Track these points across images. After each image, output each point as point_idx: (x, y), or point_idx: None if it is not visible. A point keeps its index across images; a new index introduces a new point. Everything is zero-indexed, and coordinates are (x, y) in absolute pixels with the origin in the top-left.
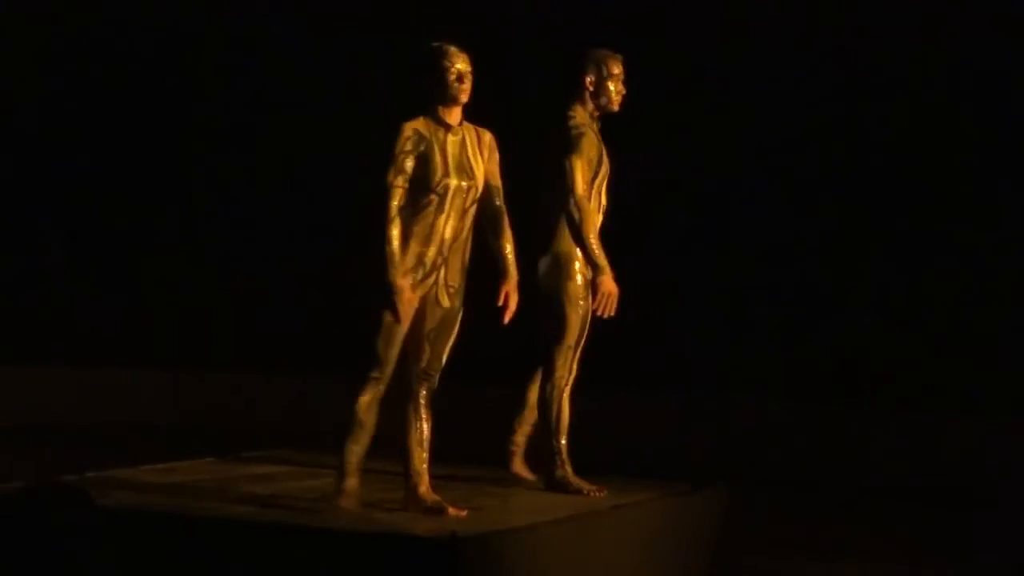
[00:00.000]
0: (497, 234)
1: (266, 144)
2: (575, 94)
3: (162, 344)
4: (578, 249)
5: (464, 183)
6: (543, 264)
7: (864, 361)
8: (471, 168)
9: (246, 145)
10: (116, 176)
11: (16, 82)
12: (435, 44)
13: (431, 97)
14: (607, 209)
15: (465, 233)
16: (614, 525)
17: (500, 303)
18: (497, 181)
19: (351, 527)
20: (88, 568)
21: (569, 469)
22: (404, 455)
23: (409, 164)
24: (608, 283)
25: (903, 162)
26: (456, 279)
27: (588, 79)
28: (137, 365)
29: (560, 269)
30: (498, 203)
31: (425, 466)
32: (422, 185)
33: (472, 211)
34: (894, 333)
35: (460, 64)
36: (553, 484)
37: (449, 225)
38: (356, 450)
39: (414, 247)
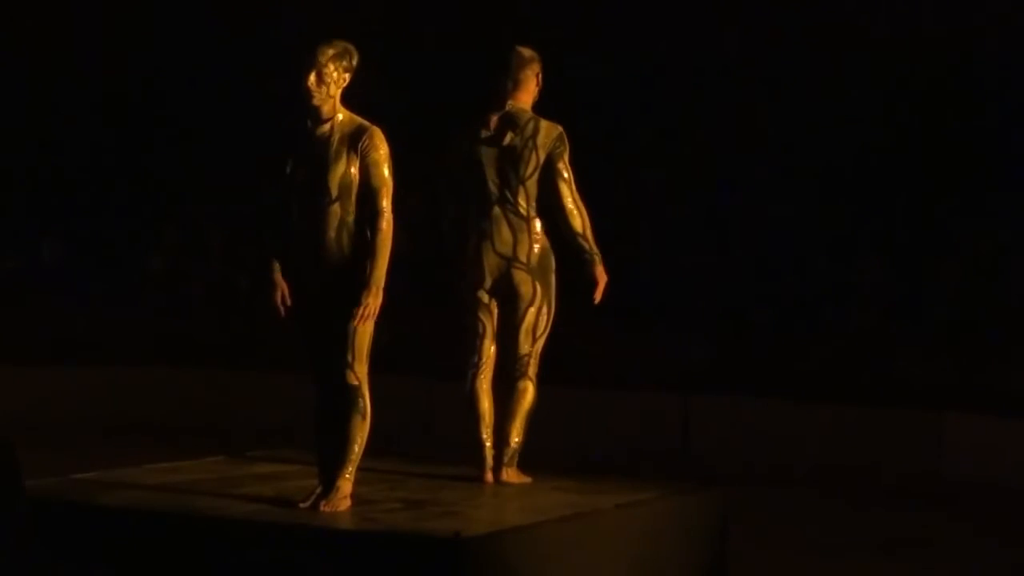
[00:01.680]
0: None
1: (266, 143)
2: (520, 88)
3: (164, 341)
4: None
5: (315, 180)
6: (530, 258)
7: (868, 360)
8: (326, 165)
9: (257, 140)
10: (116, 169)
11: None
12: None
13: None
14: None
15: (324, 229)
16: (617, 524)
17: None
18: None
19: (355, 527)
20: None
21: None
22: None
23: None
24: (603, 272)
25: (906, 160)
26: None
27: (539, 75)
28: (141, 364)
29: (547, 264)
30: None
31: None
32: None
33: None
34: (897, 333)
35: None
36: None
37: (307, 223)
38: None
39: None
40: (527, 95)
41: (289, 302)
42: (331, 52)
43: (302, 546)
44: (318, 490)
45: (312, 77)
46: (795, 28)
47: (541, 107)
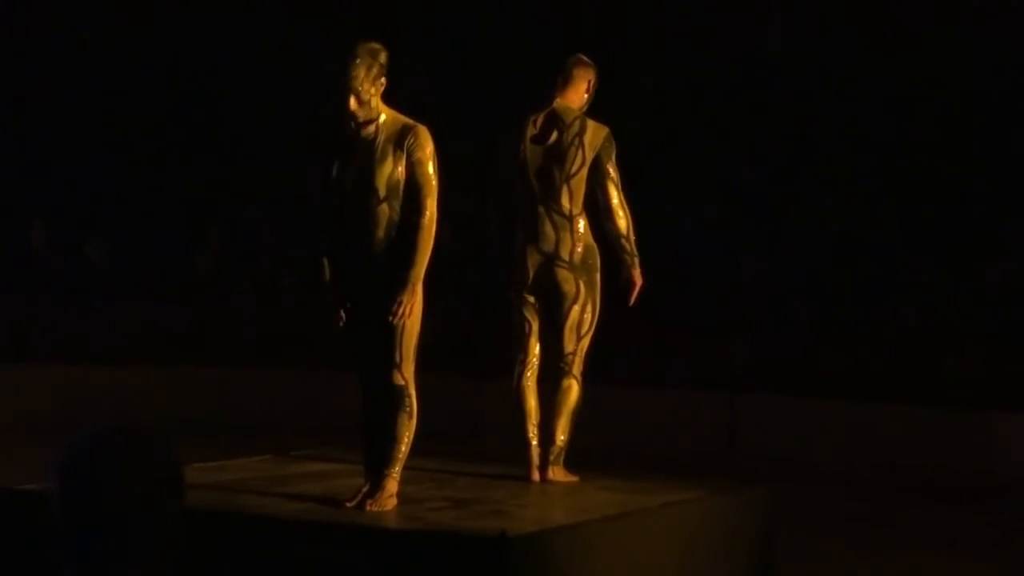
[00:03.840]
0: None
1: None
2: (572, 89)
3: (211, 342)
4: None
5: (358, 188)
6: (573, 256)
7: (916, 359)
8: (368, 170)
9: (292, 143)
10: (157, 176)
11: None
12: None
13: None
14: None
15: (376, 235)
16: (662, 523)
17: None
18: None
19: (401, 526)
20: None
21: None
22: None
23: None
24: (639, 273)
25: (950, 166)
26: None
27: (592, 81)
28: (184, 362)
29: (591, 262)
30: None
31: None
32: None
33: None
34: (945, 331)
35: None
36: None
37: (357, 229)
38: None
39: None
40: (576, 97)
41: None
42: (363, 71)
43: (348, 545)
44: (364, 489)
45: (353, 102)
46: (839, 22)
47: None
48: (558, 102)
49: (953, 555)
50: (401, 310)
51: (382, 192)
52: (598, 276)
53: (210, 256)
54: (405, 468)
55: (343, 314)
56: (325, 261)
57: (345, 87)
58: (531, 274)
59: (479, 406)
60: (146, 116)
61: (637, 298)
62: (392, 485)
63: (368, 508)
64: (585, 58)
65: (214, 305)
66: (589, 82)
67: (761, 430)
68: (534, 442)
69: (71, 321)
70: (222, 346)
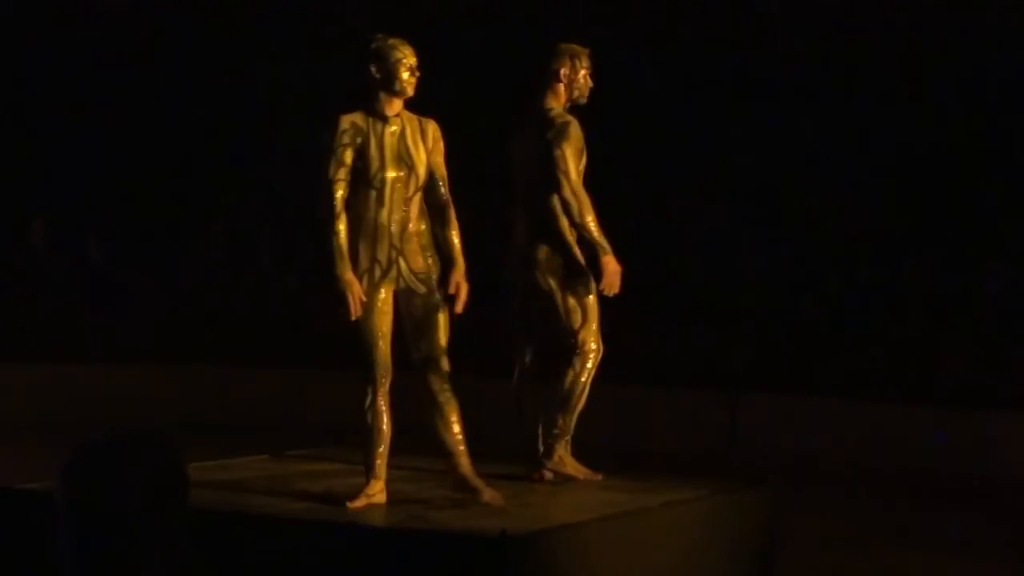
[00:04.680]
0: (443, 224)
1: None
2: (548, 86)
3: (212, 342)
4: (575, 234)
5: (402, 173)
6: (540, 254)
7: (914, 360)
8: (410, 158)
9: (290, 144)
10: (160, 175)
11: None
12: (386, 36)
13: (376, 87)
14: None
15: (414, 223)
16: (663, 523)
17: (451, 291)
18: (442, 171)
19: (401, 525)
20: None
21: (567, 453)
22: (439, 444)
23: (348, 157)
24: (612, 262)
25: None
26: (422, 266)
27: (563, 72)
28: (184, 362)
29: (561, 257)
30: (443, 193)
31: (462, 447)
32: (361, 178)
33: (417, 200)
34: (943, 332)
35: (412, 58)
36: (548, 466)
37: (394, 218)
38: (381, 452)
39: (364, 245)
40: (552, 94)
41: (364, 299)
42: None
43: (348, 545)
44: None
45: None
46: (841, 27)
47: (588, 108)
48: (540, 101)
49: (953, 555)
50: (464, 293)
51: (415, 184)
52: (568, 273)
53: (210, 256)
54: (405, 467)
55: (360, 306)
56: (346, 258)
57: (416, 67)
58: (514, 275)
59: (480, 406)
60: (146, 116)
61: (618, 288)
62: (456, 466)
63: (487, 501)
64: (559, 48)
65: (214, 305)
66: (559, 72)
67: (761, 430)
68: (536, 440)
69: (71, 321)
70: (222, 346)
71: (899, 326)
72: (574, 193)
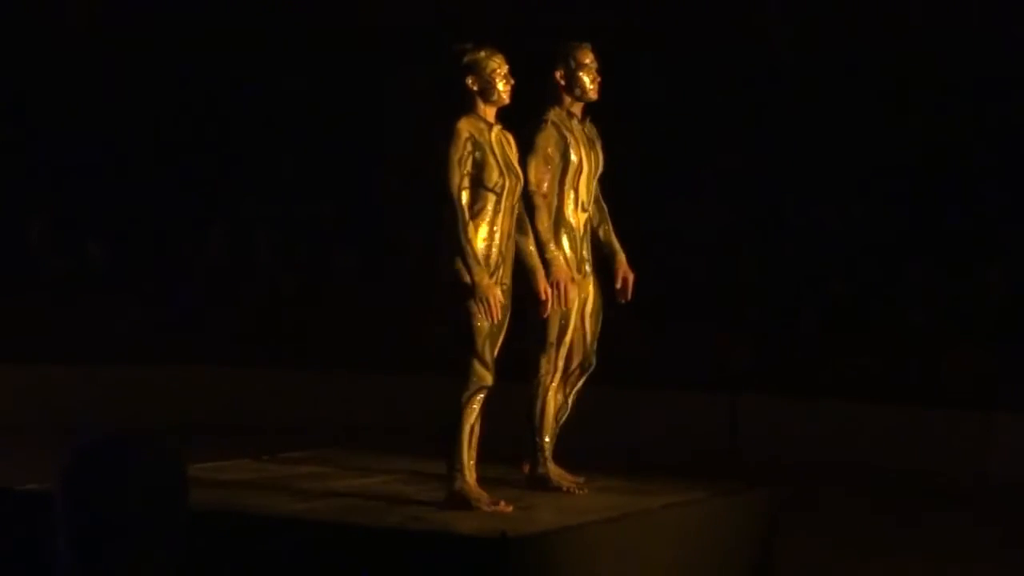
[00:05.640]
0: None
1: (312, 145)
2: (548, 91)
3: (211, 342)
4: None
5: (511, 181)
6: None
7: (915, 361)
8: (514, 166)
9: (289, 145)
10: (159, 177)
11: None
12: (475, 46)
13: (474, 98)
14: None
15: (512, 230)
16: (663, 525)
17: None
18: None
19: (401, 526)
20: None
21: (551, 465)
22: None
23: (469, 165)
24: (555, 274)
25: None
26: (509, 276)
27: (558, 73)
28: (184, 362)
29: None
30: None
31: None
32: (479, 185)
33: (518, 207)
34: (944, 333)
35: (506, 66)
36: (534, 481)
37: (504, 223)
38: (471, 454)
39: (480, 249)
40: (552, 97)
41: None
42: None
43: (348, 545)
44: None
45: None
46: (841, 27)
47: (589, 108)
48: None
49: (953, 555)
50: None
51: (522, 189)
52: (533, 281)
53: (210, 256)
54: (405, 469)
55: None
56: (481, 262)
57: (509, 71)
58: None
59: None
60: (146, 116)
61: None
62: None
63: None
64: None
65: (215, 305)
66: (554, 74)
67: (762, 431)
68: (536, 443)
69: (71, 321)
70: (222, 346)
71: (900, 327)
72: (530, 204)
